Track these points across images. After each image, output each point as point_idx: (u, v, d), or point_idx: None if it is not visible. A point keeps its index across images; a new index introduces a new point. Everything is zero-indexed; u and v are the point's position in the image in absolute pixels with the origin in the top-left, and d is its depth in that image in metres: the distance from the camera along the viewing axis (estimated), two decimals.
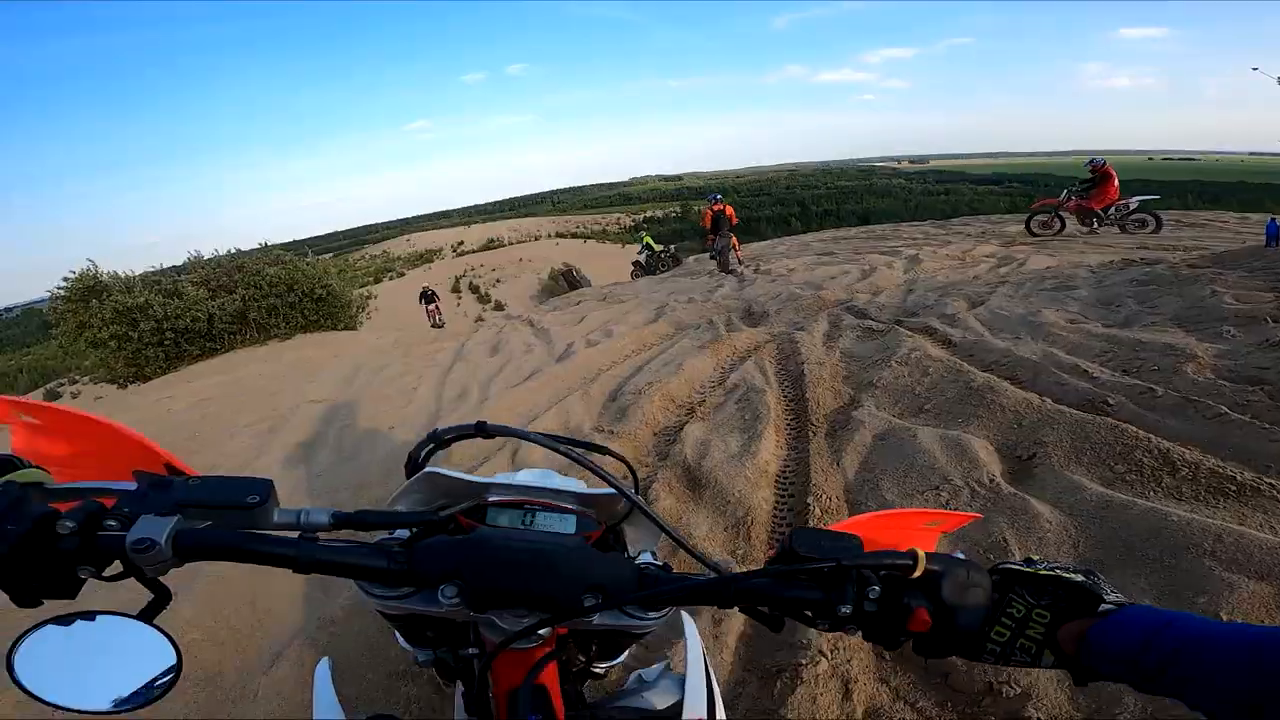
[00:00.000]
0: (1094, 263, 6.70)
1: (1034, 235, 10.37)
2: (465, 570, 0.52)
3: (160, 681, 0.49)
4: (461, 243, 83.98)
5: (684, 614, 0.88)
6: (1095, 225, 10.16)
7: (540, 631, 0.55)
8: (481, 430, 0.67)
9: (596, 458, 0.69)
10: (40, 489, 0.53)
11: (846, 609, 0.50)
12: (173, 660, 0.49)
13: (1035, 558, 0.54)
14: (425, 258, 76.59)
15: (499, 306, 34.24)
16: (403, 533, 0.63)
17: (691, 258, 14.26)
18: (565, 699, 0.61)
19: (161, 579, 0.50)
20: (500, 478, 0.70)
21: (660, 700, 0.74)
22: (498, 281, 48.15)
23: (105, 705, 0.47)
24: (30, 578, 0.47)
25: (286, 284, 9.78)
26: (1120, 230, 10.02)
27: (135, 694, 0.49)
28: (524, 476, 0.72)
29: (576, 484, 0.71)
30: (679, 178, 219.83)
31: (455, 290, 48.77)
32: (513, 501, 0.66)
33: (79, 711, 0.47)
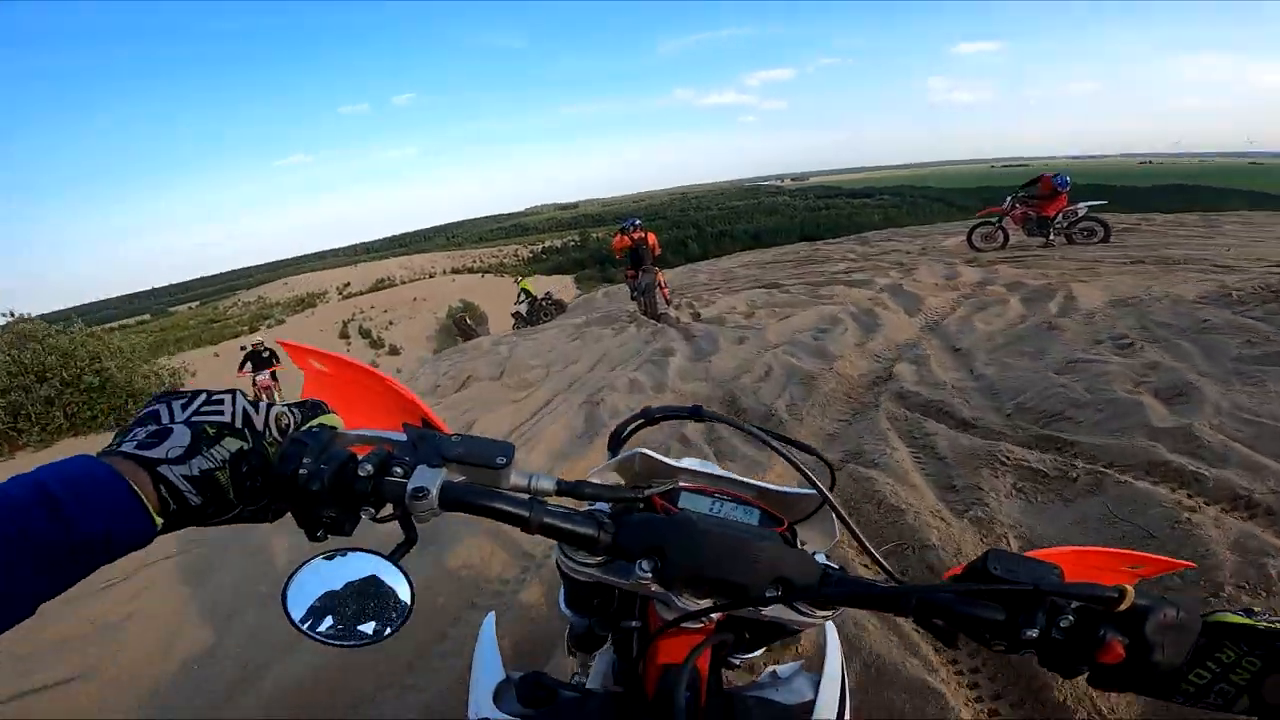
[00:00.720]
0: (1169, 292, 4.87)
1: (976, 249, 9.49)
2: (668, 548, 0.55)
3: (395, 620, 0.53)
4: (348, 284, 79.23)
5: (829, 622, 0.81)
6: (1049, 235, 9.18)
7: (712, 615, 0.58)
8: (696, 414, 0.69)
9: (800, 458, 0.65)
10: (337, 433, 0.58)
11: (1033, 633, 0.49)
12: (408, 601, 0.53)
13: (1258, 609, 0.50)
14: (307, 302, 71.49)
15: (394, 351, 31.98)
16: (603, 506, 0.64)
17: (600, 291, 13.33)
18: (708, 682, 0.64)
19: (418, 525, 0.54)
20: (689, 462, 0.72)
21: (792, 697, 0.73)
22: (390, 324, 45.51)
23: (351, 640, 0.51)
24: (325, 514, 0.52)
25: (36, 370, 7.28)
26: (1067, 240, 9.21)
27: (375, 631, 0.52)
28: (708, 466, 0.74)
29: (770, 484, 0.70)
30: (575, 205, 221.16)
31: (344, 336, 45.54)
32: (703, 489, 0.69)
33: (332, 644, 0.51)
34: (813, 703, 0.70)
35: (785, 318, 6.01)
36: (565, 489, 0.59)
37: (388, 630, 0.52)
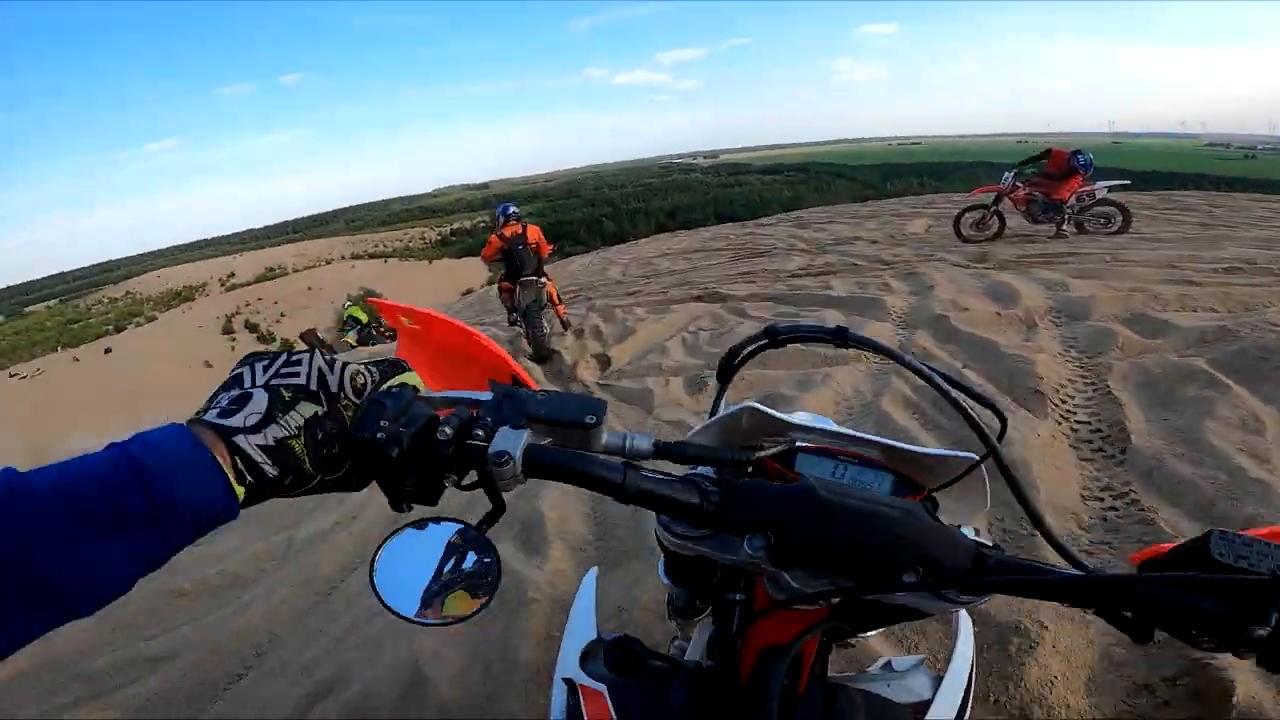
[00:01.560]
0: None
1: (964, 238, 7.87)
2: (785, 523, 0.47)
3: (482, 595, 0.50)
4: (232, 274, 72.51)
5: (962, 612, 0.73)
6: (1063, 223, 7.57)
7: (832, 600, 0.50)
8: (841, 336, 0.57)
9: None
10: (418, 394, 0.54)
11: (1262, 631, 0.40)
12: (496, 573, 0.51)
13: None
14: (184, 295, 64.77)
15: (287, 346, 28.94)
16: (707, 470, 0.58)
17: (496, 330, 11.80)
18: (810, 668, 0.58)
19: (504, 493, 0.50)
20: (804, 418, 0.65)
21: (905, 695, 0.64)
22: (282, 316, 41.86)
23: (436, 617, 0.49)
24: (407, 480, 0.49)
25: None
26: (1078, 229, 7.59)
27: (462, 606, 0.50)
28: (824, 422, 0.65)
29: (907, 444, 0.58)
30: (485, 185, 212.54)
31: (228, 331, 41.40)
32: (826, 449, 0.61)
33: (417, 623, 0.49)
34: (928, 703, 0.62)
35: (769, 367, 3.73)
36: (664, 450, 0.53)
37: (474, 609, 0.50)
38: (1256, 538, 0.43)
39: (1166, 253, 5.76)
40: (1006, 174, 7.91)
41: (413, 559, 0.50)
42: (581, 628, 0.71)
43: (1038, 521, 0.50)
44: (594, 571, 0.84)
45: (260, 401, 0.45)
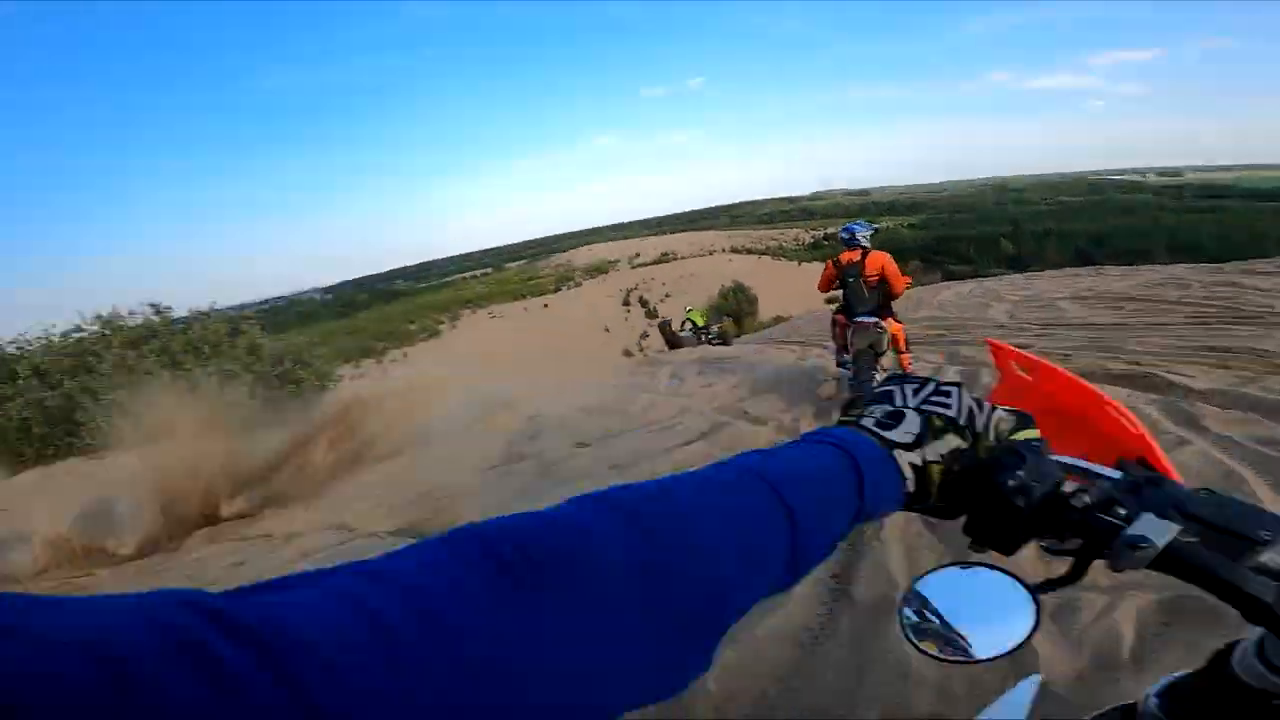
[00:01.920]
0: None
1: None
2: None
3: (1002, 647, 0.50)
4: (638, 255, 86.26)
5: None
6: None
7: None
8: None
9: None
10: (1050, 452, 0.53)
11: None
12: (1025, 634, 0.50)
13: None
14: (601, 269, 79.76)
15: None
16: None
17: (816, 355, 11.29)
18: None
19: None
20: None
21: None
22: (667, 295, 48.23)
23: (971, 655, 0.51)
24: (1005, 529, 0.49)
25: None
26: None
27: (996, 650, 0.51)
28: None
29: None
30: (866, 192, 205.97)
31: (625, 304, 49.79)
32: None
33: (928, 655, 0.52)
34: None
35: None
36: None
37: (989, 654, 0.50)
38: None
39: None
40: None
41: (950, 596, 0.52)
42: None
43: None
44: (1036, 678, 0.78)
45: (914, 422, 0.49)
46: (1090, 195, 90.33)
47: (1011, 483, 0.48)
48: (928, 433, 0.49)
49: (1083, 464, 0.53)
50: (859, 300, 4.77)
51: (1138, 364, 4.97)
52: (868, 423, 0.49)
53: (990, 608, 0.51)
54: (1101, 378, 4.75)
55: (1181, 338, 6.02)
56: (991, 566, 0.52)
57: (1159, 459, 0.59)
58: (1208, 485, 0.54)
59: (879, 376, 4.47)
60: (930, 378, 0.54)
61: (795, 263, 61.25)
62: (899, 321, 4.91)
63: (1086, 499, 0.48)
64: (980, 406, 0.52)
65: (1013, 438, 0.53)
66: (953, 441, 0.50)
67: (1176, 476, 0.55)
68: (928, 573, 0.51)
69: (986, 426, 0.52)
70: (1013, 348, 0.71)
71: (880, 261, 4.76)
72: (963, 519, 0.51)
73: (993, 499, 0.49)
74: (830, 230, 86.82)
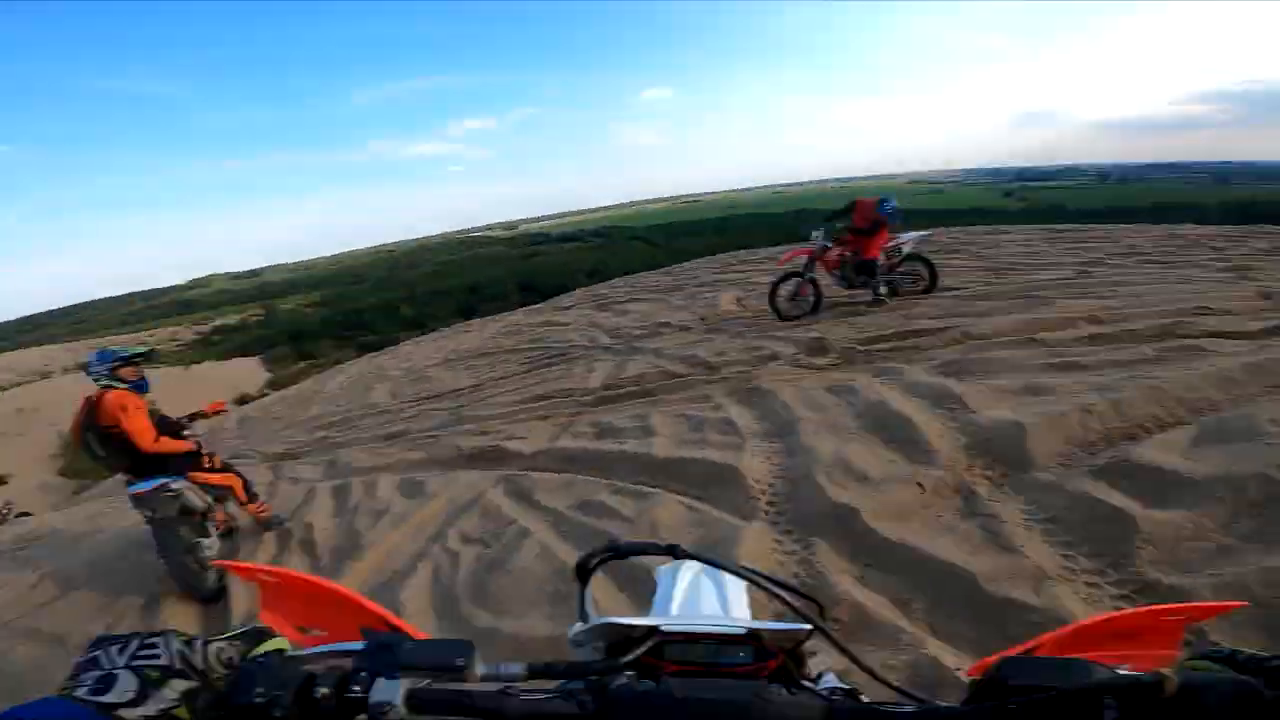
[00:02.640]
0: None
1: (785, 316, 6.63)
2: None
3: None
4: None
5: None
6: (879, 286, 6.60)
7: None
8: (672, 551, 0.66)
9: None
10: (287, 655, 0.57)
11: None
12: None
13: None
14: None
15: None
16: (582, 683, 0.60)
17: (310, 381, 8.59)
18: None
19: None
20: (662, 607, 0.83)
21: None
22: None
23: None
24: None
25: None
26: (892, 293, 6.67)
27: None
28: (683, 601, 0.81)
29: (759, 623, 0.67)
30: (256, 273, 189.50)
31: None
32: (689, 636, 0.65)
33: None
34: None
35: None
36: (537, 671, 0.57)
37: None
38: (1052, 657, 0.53)
39: (1006, 319, 4.99)
40: (815, 232, 6.82)
41: None
42: None
43: (874, 675, 0.58)
44: None
45: (128, 680, 0.48)
46: (463, 252, 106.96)
47: (257, 700, 0.50)
48: (147, 686, 0.49)
49: (338, 646, 0.59)
50: (114, 460, 3.49)
51: (485, 433, 4.86)
52: (81, 693, 0.48)
53: None
54: (459, 462, 4.39)
55: (520, 389, 6.02)
56: None
57: (394, 619, 0.70)
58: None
59: (204, 549, 3.49)
60: (136, 634, 0.53)
61: (182, 367, 49.70)
62: (221, 471, 3.77)
63: (325, 689, 0.51)
64: (191, 646, 0.53)
65: (252, 655, 0.55)
66: (180, 685, 0.50)
67: (410, 629, 0.68)
68: None
69: (206, 660, 0.52)
70: (247, 565, 0.76)
71: (117, 402, 3.32)
72: None
73: (256, 718, 0.50)
74: (220, 323, 75.18)
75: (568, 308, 11.21)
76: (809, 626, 0.61)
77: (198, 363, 51.58)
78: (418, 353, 11.11)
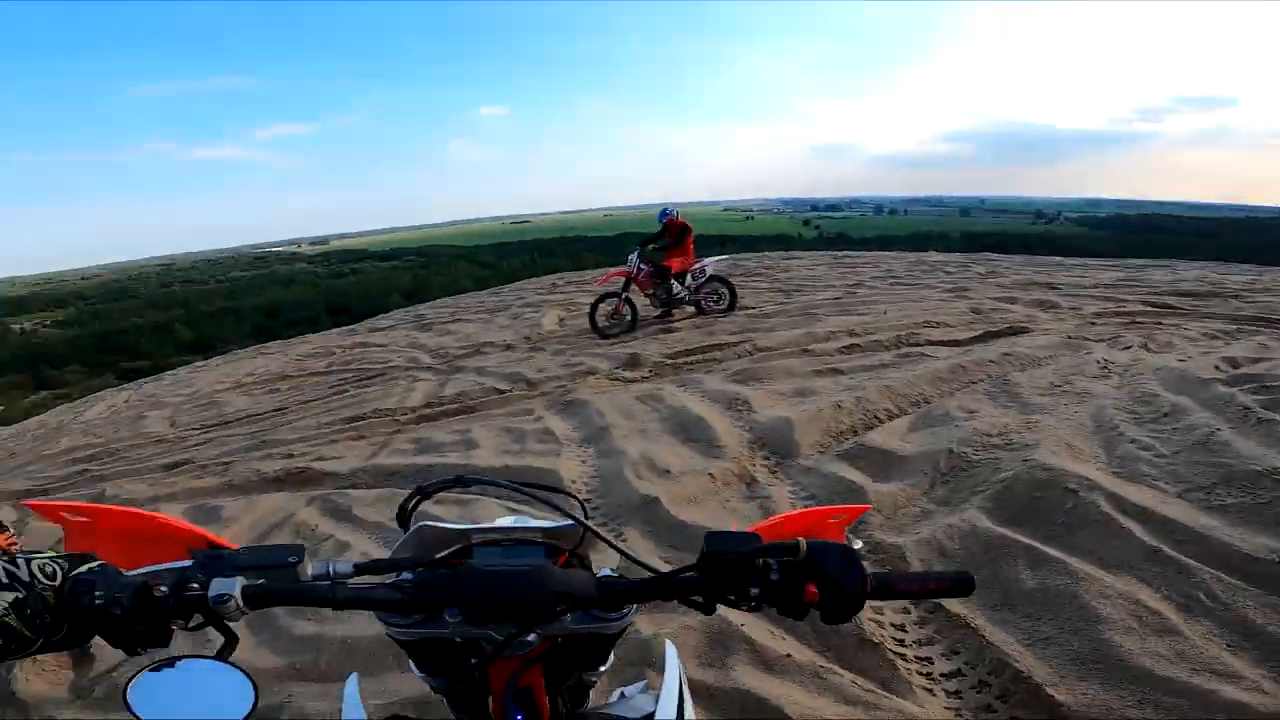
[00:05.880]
0: None
1: (602, 335, 7.03)
2: (461, 595, 0.63)
3: (245, 710, 0.55)
4: None
5: (668, 643, 1.00)
6: (686, 300, 7.38)
7: (528, 639, 0.65)
8: (461, 481, 0.75)
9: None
10: (121, 571, 0.59)
11: (756, 590, 0.63)
12: (251, 695, 0.55)
13: None
14: None
15: None
16: (407, 575, 0.70)
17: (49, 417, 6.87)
18: (554, 705, 0.72)
19: (231, 626, 0.59)
20: (481, 524, 0.82)
21: (634, 713, 0.84)
22: None
23: None
24: (133, 632, 0.55)
25: None
26: (698, 310, 7.45)
27: None
28: (500, 521, 0.85)
29: (540, 521, 0.78)
30: None
31: None
32: (494, 541, 0.75)
33: None
34: (652, 714, 0.80)
35: None
36: (364, 568, 0.67)
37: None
38: (738, 531, 0.69)
39: (787, 334, 5.84)
40: (631, 255, 7.40)
41: (165, 695, 0.53)
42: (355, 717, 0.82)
43: (624, 553, 0.72)
44: (354, 676, 0.89)
45: None
46: (259, 269, 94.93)
47: (98, 601, 0.54)
48: None
49: (168, 566, 0.62)
50: None
51: (291, 456, 4.53)
52: None
53: (209, 690, 0.54)
54: (260, 486, 4.04)
55: (332, 411, 5.74)
56: (200, 657, 0.55)
57: (217, 539, 0.75)
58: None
59: None
60: None
61: None
62: None
63: (165, 588, 0.56)
64: (14, 562, 0.54)
65: (74, 574, 0.57)
66: (7, 596, 0.51)
67: (233, 546, 0.70)
68: (128, 683, 0.53)
69: (31, 573, 0.54)
70: (56, 503, 0.75)
71: None
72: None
73: (92, 619, 0.54)
74: None
75: (387, 328, 10.68)
76: (572, 521, 0.71)
77: None
78: (203, 378, 9.81)
